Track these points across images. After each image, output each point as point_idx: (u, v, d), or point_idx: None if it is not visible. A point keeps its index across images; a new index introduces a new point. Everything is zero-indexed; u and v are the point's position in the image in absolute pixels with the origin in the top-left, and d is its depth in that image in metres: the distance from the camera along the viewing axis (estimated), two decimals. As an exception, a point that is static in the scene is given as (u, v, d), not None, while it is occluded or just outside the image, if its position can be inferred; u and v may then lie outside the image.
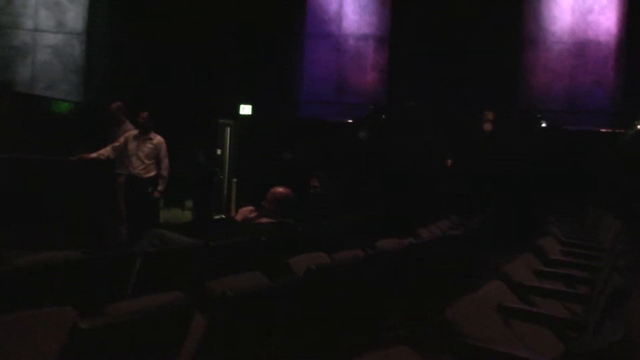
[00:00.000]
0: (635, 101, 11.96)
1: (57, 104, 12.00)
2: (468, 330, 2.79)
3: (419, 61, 12.70)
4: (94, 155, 8.20)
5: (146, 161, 8.43)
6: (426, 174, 12.27)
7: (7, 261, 3.71)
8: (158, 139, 8.52)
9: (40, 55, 12.74)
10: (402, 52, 13.18)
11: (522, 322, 3.36)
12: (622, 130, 12.01)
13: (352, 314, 3.74)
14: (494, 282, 3.74)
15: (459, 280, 5.76)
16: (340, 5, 13.90)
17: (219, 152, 13.37)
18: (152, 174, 8.46)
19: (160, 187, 8.51)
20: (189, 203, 12.56)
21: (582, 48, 12.78)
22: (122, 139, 8.48)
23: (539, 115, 12.60)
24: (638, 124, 11.84)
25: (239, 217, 6.06)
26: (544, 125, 12.57)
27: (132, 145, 8.42)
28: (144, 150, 8.42)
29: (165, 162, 8.50)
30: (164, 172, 8.50)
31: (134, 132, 8.55)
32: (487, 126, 12.57)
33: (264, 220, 5.69)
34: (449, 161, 12.25)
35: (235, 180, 13.20)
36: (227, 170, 13.45)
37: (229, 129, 13.56)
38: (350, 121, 13.30)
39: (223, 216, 12.61)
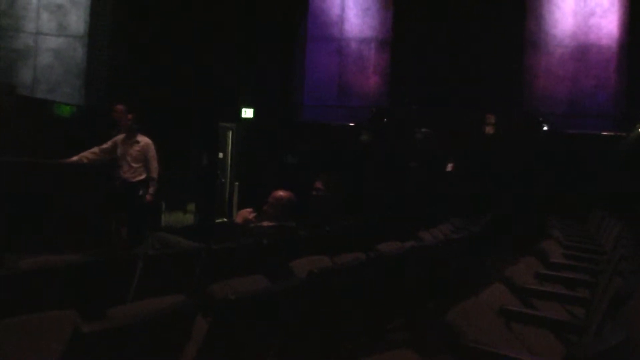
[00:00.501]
0: (638, 104, 11.95)
1: (58, 107, 12.00)
2: (469, 333, 2.79)
3: (421, 64, 12.71)
4: (75, 158, 8.05)
5: (134, 165, 8.20)
6: (428, 177, 12.27)
7: (8, 265, 3.71)
8: (145, 141, 8.27)
9: (42, 58, 12.75)
10: (403, 55, 13.19)
11: (524, 325, 3.36)
12: (624, 134, 12.01)
13: (353, 317, 3.74)
14: (495, 284, 3.74)
15: (461, 283, 5.76)
16: (342, 9, 13.91)
17: (220, 155, 13.38)
18: (142, 177, 8.21)
19: (151, 190, 8.23)
20: (191, 206, 12.57)
21: (583, 51, 12.79)
22: (110, 142, 8.27)
23: (540, 119, 12.60)
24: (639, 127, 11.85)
25: (238, 219, 6.07)
26: (545, 128, 12.56)
27: (120, 149, 8.23)
28: (131, 154, 8.20)
29: (153, 164, 8.24)
30: (153, 175, 8.23)
31: (122, 135, 8.33)
32: (489, 130, 12.57)
33: (265, 223, 5.70)
34: (451, 164, 12.24)
35: (237, 183, 13.21)
36: (229, 173, 13.46)
37: (231, 133, 13.57)
38: (352, 124, 13.31)
39: (225, 219, 12.62)
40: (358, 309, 3.75)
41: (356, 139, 13.09)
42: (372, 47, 13.81)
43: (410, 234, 6.81)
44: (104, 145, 8.26)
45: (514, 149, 12.23)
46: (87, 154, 8.14)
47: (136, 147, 8.22)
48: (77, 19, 12.96)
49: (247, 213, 5.98)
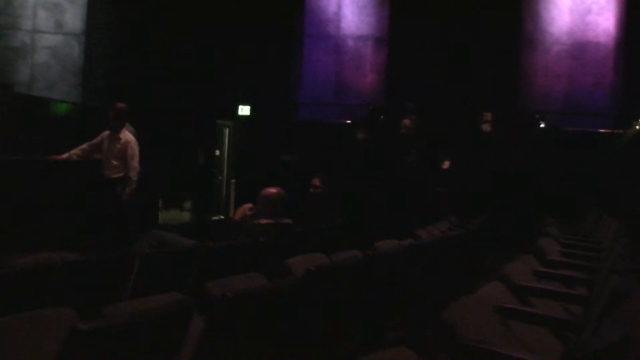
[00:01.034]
0: (635, 102, 11.96)
1: (55, 105, 11.98)
2: (467, 331, 2.80)
3: (418, 62, 12.70)
4: (65, 156, 7.99)
5: (114, 162, 8.00)
6: (424, 175, 12.27)
7: (6, 263, 3.71)
8: (127, 138, 8.06)
9: (39, 56, 12.74)
10: (400, 53, 13.17)
11: (521, 323, 3.36)
12: (622, 131, 12.02)
13: (351, 315, 3.73)
14: (492, 283, 3.74)
15: (458, 281, 5.76)
16: (339, 7, 13.90)
17: (217, 153, 13.37)
18: (120, 174, 7.98)
19: (127, 189, 7.94)
20: (187, 204, 12.57)
21: (581, 49, 12.79)
22: (98, 137, 8.14)
23: (538, 117, 12.60)
24: (637, 125, 11.85)
25: (237, 215, 6.04)
26: (542, 126, 12.57)
27: (104, 145, 8.08)
28: (112, 151, 8.02)
29: (132, 163, 7.97)
30: (131, 174, 7.96)
31: (108, 131, 8.16)
32: (486, 127, 12.57)
33: (262, 221, 5.69)
34: (447, 162, 12.23)
35: (233, 181, 13.20)
36: (225, 171, 13.44)
37: (227, 130, 13.56)
38: (348, 122, 13.31)
39: (222, 217, 12.61)
40: (355, 307, 3.75)
41: (353, 136, 13.08)
42: (368, 44, 13.79)
43: (408, 232, 6.81)
44: (94, 141, 8.16)
45: (511, 146, 12.23)
46: (76, 151, 8.10)
47: (118, 144, 8.03)
48: (74, 17, 12.95)
49: (247, 209, 5.95)
